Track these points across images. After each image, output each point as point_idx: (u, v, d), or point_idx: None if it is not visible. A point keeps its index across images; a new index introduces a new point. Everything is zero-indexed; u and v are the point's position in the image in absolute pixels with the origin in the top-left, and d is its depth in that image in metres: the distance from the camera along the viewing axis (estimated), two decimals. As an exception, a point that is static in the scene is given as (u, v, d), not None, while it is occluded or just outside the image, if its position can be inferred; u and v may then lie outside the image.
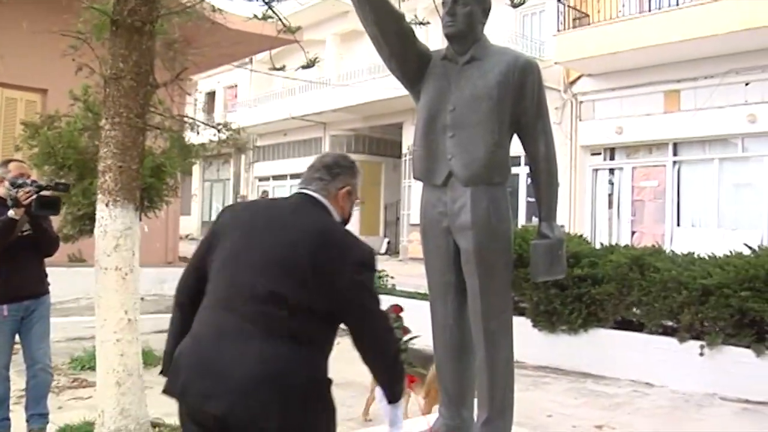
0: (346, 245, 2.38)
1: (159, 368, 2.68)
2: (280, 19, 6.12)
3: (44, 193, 4.88)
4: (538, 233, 3.51)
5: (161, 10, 5.12)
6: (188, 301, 2.53)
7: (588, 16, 15.99)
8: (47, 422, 5.07)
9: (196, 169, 30.50)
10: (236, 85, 31.06)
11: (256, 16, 6.21)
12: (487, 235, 3.32)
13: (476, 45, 3.46)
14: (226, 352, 2.24)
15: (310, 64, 6.38)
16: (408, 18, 3.66)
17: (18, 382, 5.22)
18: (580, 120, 16.68)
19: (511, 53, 3.52)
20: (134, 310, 4.97)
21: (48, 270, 5.45)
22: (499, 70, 3.37)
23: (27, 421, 5.01)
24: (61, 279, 8.98)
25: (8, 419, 5.02)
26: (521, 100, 3.38)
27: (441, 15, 3.53)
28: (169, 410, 5.32)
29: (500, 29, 16.58)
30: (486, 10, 3.55)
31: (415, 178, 3.65)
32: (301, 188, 2.55)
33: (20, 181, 4.83)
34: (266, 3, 5.99)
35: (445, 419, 3.61)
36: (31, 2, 9.69)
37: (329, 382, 2.31)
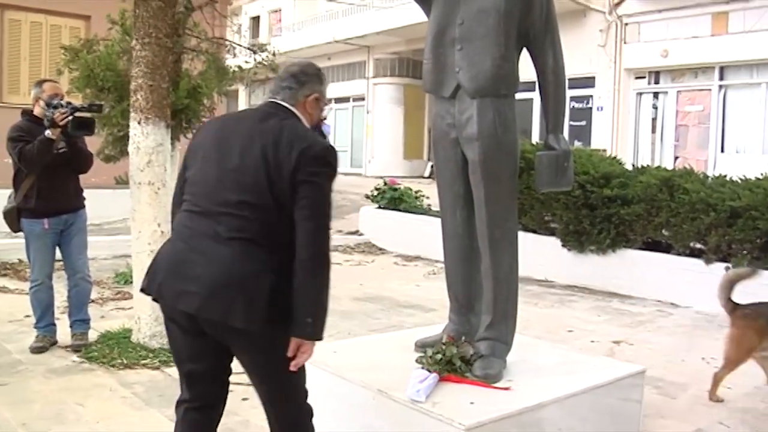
0: (300, 138, 2.41)
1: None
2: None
3: (79, 114, 5.03)
4: (545, 145, 3.58)
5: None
6: (178, 211, 2.64)
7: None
8: (89, 327, 5.39)
9: (242, 95, 30.65)
10: (280, 9, 30.84)
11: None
12: (492, 145, 3.40)
13: (486, -41, 3.48)
14: (197, 253, 2.40)
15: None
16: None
17: (63, 292, 5.49)
18: (625, 43, 16.26)
19: None
20: (166, 222, 5.16)
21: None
22: None
23: (70, 326, 5.33)
24: (109, 200, 9.33)
25: (54, 324, 5.34)
26: (529, 13, 3.41)
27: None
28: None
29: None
30: None
31: (425, 90, 3.74)
32: (270, 98, 2.60)
33: (56, 102, 4.98)
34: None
35: (455, 325, 3.77)
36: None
37: (289, 292, 2.34)
